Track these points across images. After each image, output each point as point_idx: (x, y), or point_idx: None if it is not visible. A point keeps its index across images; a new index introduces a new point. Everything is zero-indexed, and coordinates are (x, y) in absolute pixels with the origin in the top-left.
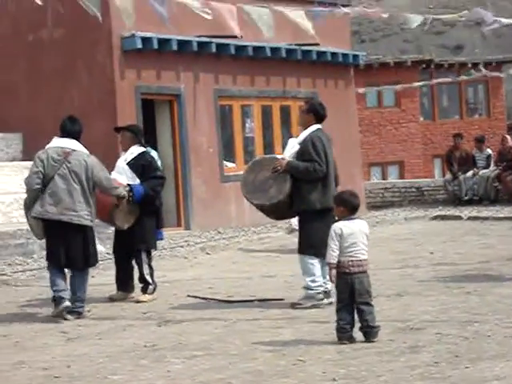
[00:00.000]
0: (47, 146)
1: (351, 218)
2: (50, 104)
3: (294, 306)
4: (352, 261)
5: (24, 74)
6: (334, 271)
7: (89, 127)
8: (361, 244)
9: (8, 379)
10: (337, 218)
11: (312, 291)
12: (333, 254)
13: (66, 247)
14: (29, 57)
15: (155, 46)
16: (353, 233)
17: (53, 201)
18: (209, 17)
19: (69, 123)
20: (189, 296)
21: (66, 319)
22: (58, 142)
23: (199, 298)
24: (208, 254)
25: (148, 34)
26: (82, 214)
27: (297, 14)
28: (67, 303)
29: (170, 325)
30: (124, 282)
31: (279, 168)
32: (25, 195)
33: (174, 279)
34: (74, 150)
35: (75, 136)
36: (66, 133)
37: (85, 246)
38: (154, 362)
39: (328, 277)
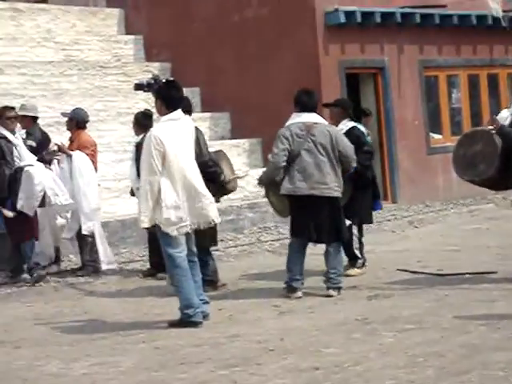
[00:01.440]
0: (288, 123)
1: None
2: (255, 83)
3: None
4: None
5: (230, 54)
6: None
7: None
8: None
9: (225, 351)
10: None
11: None
12: None
13: (316, 221)
14: (234, 37)
15: (358, 19)
16: None
17: (302, 176)
18: None
19: (305, 97)
20: (398, 270)
21: (329, 296)
22: (299, 117)
23: (409, 271)
24: (416, 227)
25: (351, 8)
26: (332, 185)
27: None
28: (299, 294)
29: (380, 298)
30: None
31: (494, 127)
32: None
33: (382, 253)
34: (316, 123)
35: (313, 109)
36: (303, 107)
37: (335, 218)
38: (365, 335)
39: None
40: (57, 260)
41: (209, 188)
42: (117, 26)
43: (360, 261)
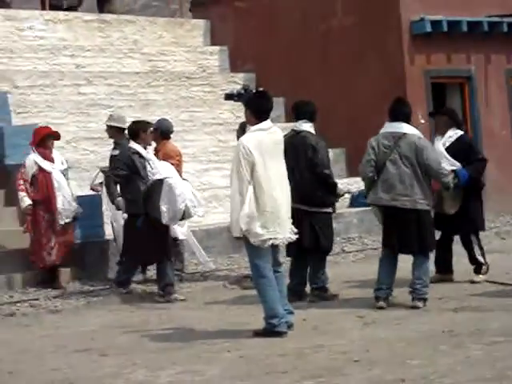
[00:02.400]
0: (381, 131)
1: None
2: (339, 92)
3: None
4: None
5: (315, 64)
6: None
7: (380, 115)
8: None
9: (310, 361)
10: None
11: None
12: None
13: (401, 232)
14: (319, 47)
15: (445, 28)
16: None
17: (385, 187)
18: None
19: (398, 106)
20: (487, 282)
21: (415, 307)
22: (389, 127)
23: (497, 283)
24: (503, 238)
25: (437, 17)
26: (416, 198)
27: None
28: (381, 303)
29: (466, 310)
30: (444, 265)
31: None
32: None
33: (468, 264)
34: (405, 134)
35: (405, 118)
36: (395, 116)
37: (420, 229)
38: (452, 347)
39: None
40: (143, 269)
41: (324, 197)
42: (203, 36)
43: (484, 267)
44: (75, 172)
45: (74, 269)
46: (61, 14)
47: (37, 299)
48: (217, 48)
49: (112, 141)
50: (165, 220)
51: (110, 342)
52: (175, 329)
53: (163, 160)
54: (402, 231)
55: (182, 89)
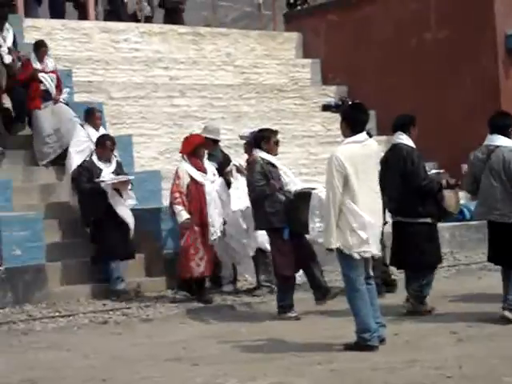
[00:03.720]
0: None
1: None
2: (432, 106)
3: None
4: None
5: (407, 77)
6: None
7: (473, 128)
8: None
9: (402, 376)
10: None
11: None
12: None
13: (494, 244)
14: (412, 60)
15: None
16: None
17: (481, 201)
18: None
19: (496, 118)
20: None
21: (504, 317)
22: (486, 140)
23: None
24: None
25: None
26: (506, 211)
27: None
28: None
29: None
30: None
31: None
32: None
33: None
34: (498, 147)
35: (504, 131)
36: (492, 128)
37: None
38: None
39: None
40: (233, 279)
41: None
42: (295, 49)
43: None
44: (168, 182)
45: (167, 278)
46: (156, 27)
47: (129, 308)
48: (309, 61)
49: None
50: (314, 234)
51: (201, 351)
52: (266, 340)
53: None
54: (495, 243)
55: (273, 101)
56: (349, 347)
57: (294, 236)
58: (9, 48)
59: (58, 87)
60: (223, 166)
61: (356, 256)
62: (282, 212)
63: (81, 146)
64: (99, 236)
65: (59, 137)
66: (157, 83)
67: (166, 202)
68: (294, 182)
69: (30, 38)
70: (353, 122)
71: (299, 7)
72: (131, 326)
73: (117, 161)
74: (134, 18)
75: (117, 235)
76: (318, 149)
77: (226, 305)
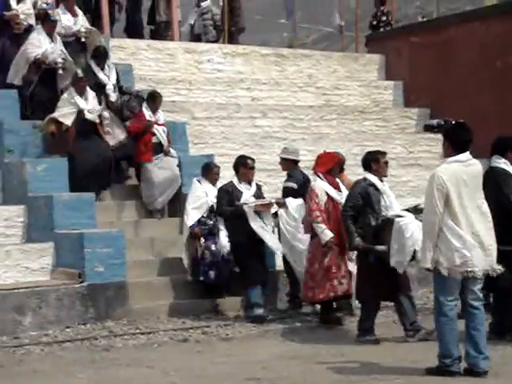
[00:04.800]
0: None
1: None
2: None
3: None
4: None
5: (491, 100)
6: None
7: None
8: None
9: None
10: None
11: None
12: None
13: None
14: (497, 83)
15: None
16: None
17: None
18: None
19: None
20: None
21: None
22: None
23: None
24: None
25: None
26: None
27: None
28: None
29: None
30: None
31: None
32: None
33: None
34: None
35: None
36: None
37: None
38: None
39: None
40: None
41: None
42: (377, 71)
43: None
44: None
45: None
46: (239, 48)
47: (208, 326)
48: (391, 82)
49: (285, 173)
50: (392, 263)
51: (280, 372)
52: (346, 362)
53: None
54: None
55: (354, 123)
56: (430, 371)
57: (384, 262)
58: (114, 85)
59: (168, 139)
60: (303, 187)
61: (458, 276)
62: (371, 235)
63: (197, 202)
64: (241, 261)
65: (167, 188)
66: (239, 104)
67: None
68: (392, 208)
69: (116, 57)
70: (456, 142)
71: (382, 29)
72: (211, 345)
73: (256, 183)
74: (198, 41)
75: (257, 260)
76: (399, 171)
77: (306, 326)
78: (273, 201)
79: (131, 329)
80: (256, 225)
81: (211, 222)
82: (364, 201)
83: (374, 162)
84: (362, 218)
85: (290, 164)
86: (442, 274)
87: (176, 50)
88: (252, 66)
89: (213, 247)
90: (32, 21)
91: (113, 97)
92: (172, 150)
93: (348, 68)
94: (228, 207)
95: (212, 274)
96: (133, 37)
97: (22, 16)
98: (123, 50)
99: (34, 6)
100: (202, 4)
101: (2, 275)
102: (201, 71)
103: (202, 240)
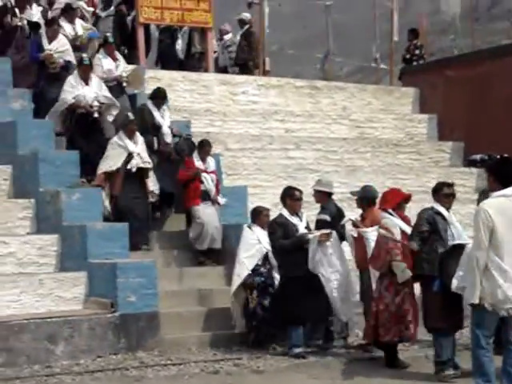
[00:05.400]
0: None
1: None
2: None
3: None
4: None
5: None
6: None
7: None
8: None
9: None
10: None
11: None
12: None
13: None
14: None
15: None
16: None
17: None
18: None
19: None
20: None
21: None
22: None
23: None
24: None
25: None
26: None
27: None
28: None
29: None
30: None
31: None
32: None
33: None
34: None
35: None
36: None
37: None
38: None
39: None
40: (345, 335)
41: None
42: (411, 104)
43: None
44: None
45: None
46: (273, 80)
47: (240, 358)
48: (425, 116)
49: (319, 205)
50: (453, 287)
51: None
52: None
53: (371, 227)
54: None
55: (388, 156)
56: None
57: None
58: (169, 127)
59: (217, 188)
60: (336, 219)
61: (503, 313)
62: (437, 262)
63: (251, 250)
64: (291, 297)
65: (213, 230)
66: (272, 135)
67: None
68: (459, 237)
69: (151, 89)
70: (501, 176)
71: (415, 62)
72: (242, 377)
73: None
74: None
75: (310, 297)
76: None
77: (337, 360)
78: (333, 231)
79: (162, 360)
80: (318, 256)
81: (265, 270)
82: (431, 227)
83: (438, 192)
84: (428, 245)
85: (323, 196)
86: (483, 309)
87: (211, 81)
88: (286, 97)
89: (266, 302)
90: (69, 57)
91: (168, 138)
92: (220, 199)
93: (382, 101)
94: (287, 240)
95: (264, 329)
96: (167, 68)
97: (55, 55)
98: (159, 81)
99: (75, 37)
100: (225, 37)
101: (35, 304)
102: (235, 103)
103: (255, 293)
